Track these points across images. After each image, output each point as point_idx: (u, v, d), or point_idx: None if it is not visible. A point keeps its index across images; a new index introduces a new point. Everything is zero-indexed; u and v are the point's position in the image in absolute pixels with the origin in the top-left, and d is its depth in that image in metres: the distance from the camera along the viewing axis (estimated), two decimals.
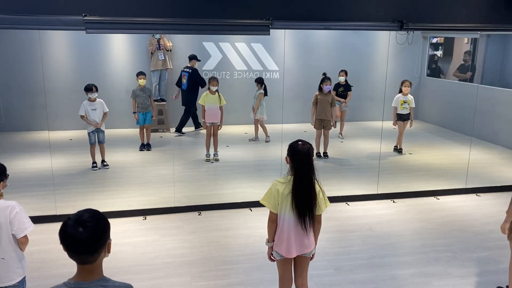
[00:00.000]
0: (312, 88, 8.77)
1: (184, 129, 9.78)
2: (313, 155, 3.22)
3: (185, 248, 4.90)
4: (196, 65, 9.61)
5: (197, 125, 10.02)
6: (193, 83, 9.43)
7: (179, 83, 9.70)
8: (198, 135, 9.80)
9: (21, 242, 2.97)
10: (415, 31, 7.85)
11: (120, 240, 5.03)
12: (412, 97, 8.38)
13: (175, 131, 9.73)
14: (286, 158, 3.27)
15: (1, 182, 2.99)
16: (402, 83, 8.35)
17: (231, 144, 8.95)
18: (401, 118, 8.38)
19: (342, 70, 9.42)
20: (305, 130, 9.76)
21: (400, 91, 8.36)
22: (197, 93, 9.44)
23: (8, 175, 3.05)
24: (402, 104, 8.29)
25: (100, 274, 1.95)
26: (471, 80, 10.35)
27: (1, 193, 2.98)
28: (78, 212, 1.93)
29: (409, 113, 8.34)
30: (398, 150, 8.61)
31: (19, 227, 2.91)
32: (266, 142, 9.25)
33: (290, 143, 3.26)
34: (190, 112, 9.74)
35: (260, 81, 9.04)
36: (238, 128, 10.14)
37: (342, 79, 9.37)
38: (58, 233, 1.89)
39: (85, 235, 1.85)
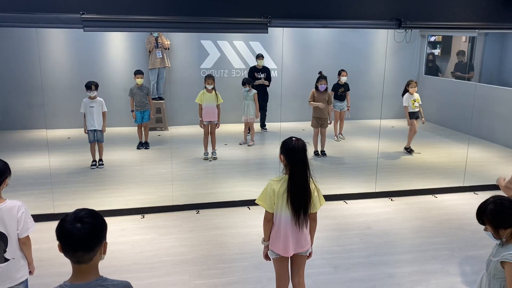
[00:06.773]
0: (310, 86, 8.76)
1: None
2: (307, 151, 3.19)
3: (183, 247, 4.90)
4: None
5: None
6: None
7: None
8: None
9: (23, 243, 2.96)
10: (413, 29, 7.85)
11: (119, 239, 5.03)
12: (418, 94, 8.33)
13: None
14: (280, 156, 3.22)
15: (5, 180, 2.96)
16: (409, 84, 8.25)
17: (229, 143, 8.95)
18: (413, 116, 8.30)
19: (343, 70, 8.97)
20: (303, 128, 9.77)
21: (406, 91, 8.26)
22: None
23: (9, 175, 3.02)
24: (413, 103, 8.23)
25: (96, 274, 1.93)
26: (469, 79, 10.37)
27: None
28: (76, 210, 1.93)
29: (419, 111, 8.31)
30: (408, 150, 8.50)
31: (23, 227, 2.92)
32: (248, 146, 8.83)
33: (283, 141, 3.23)
34: None
35: (249, 82, 8.81)
36: (236, 126, 10.13)
37: (344, 79, 8.93)
38: (56, 230, 1.88)
39: (83, 230, 1.84)
